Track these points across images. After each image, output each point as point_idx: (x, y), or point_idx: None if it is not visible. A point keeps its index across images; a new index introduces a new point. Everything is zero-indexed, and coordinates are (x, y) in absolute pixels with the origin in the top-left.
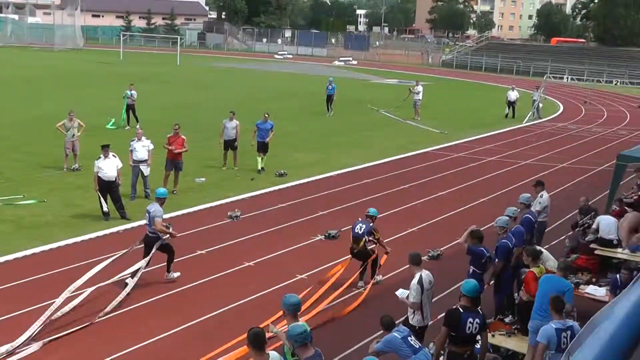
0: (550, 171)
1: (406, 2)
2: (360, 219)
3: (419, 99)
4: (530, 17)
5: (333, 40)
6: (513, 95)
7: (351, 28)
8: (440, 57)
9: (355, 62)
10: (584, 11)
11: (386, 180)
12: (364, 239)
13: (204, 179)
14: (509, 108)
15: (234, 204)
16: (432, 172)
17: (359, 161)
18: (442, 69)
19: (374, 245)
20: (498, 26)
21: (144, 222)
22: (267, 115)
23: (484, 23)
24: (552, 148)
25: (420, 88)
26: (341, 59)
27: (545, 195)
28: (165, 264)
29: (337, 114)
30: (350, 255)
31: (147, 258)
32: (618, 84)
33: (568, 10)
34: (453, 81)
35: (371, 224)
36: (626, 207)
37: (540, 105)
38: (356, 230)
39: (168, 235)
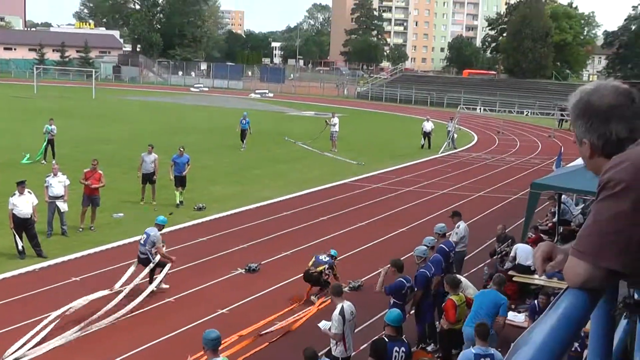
0: (466, 200)
1: (320, 35)
2: (323, 253)
3: (336, 131)
4: (442, 49)
5: (249, 73)
6: (428, 126)
7: (267, 61)
8: (356, 89)
9: (271, 95)
10: (493, 44)
11: (305, 213)
12: (324, 267)
13: (121, 215)
14: (424, 139)
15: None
16: (351, 204)
17: (277, 194)
18: (357, 101)
19: (328, 277)
20: (411, 58)
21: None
22: (182, 149)
23: (397, 55)
24: (467, 177)
25: (336, 120)
26: (257, 91)
27: (462, 225)
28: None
29: (254, 146)
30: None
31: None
32: (529, 114)
33: (478, 43)
34: (369, 113)
35: (333, 261)
36: (542, 235)
37: (455, 135)
38: (320, 258)
39: (158, 257)
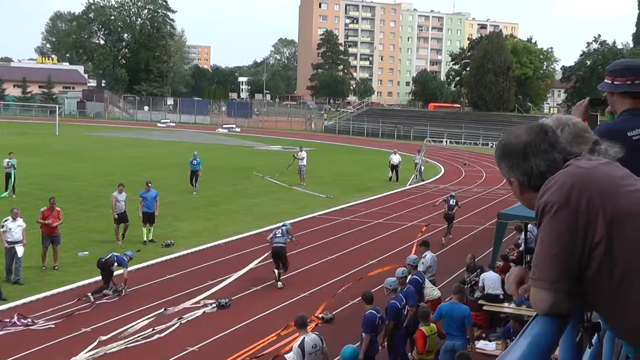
0: (435, 231)
1: (287, 70)
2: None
3: (304, 165)
4: (407, 83)
5: (216, 108)
6: (395, 159)
7: (234, 95)
8: (323, 122)
9: (238, 130)
10: (457, 78)
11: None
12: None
13: (87, 253)
14: (392, 171)
15: (119, 277)
16: (320, 237)
17: (246, 228)
18: (325, 135)
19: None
20: (377, 92)
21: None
22: (149, 184)
23: (363, 89)
24: (435, 209)
25: (304, 154)
26: (225, 126)
27: (428, 255)
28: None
29: (222, 181)
30: None
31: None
32: (493, 146)
33: (442, 77)
34: (337, 146)
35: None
36: (510, 264)
37: (422, 167)
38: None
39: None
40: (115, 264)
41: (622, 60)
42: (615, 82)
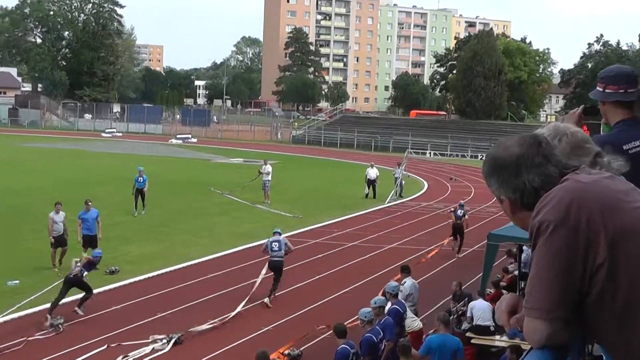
0: (417, 254)
1: (250, 72)
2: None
3: (269, 180)
4: (386, 88)
5: (169, 115)
6: (373, 173)
7: (189, 101)
8: (291, 132)
9: (195, 140)
10: (442, 82)
11: (234, 273)
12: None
13: (17, 282)
14: (369, 187)
15: (56, 309)
16: (288, 262)
17: (203, 252)
18: (293, 146)
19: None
20: (352, 98)
21: None
22: (89, 203)
23: (336, 95)
24: (418, 229)
25: (269, 168)
26: (179, 136)
27: (408, 282)
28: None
29: (176, 198)
30: None
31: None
32: (483, 158)
33: (426, 81)
34: (306, 159)
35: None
36: (502, 291)
37: (403, 182)
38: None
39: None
40: (85, 272)
41: (614, 66)
42: (607, 91)
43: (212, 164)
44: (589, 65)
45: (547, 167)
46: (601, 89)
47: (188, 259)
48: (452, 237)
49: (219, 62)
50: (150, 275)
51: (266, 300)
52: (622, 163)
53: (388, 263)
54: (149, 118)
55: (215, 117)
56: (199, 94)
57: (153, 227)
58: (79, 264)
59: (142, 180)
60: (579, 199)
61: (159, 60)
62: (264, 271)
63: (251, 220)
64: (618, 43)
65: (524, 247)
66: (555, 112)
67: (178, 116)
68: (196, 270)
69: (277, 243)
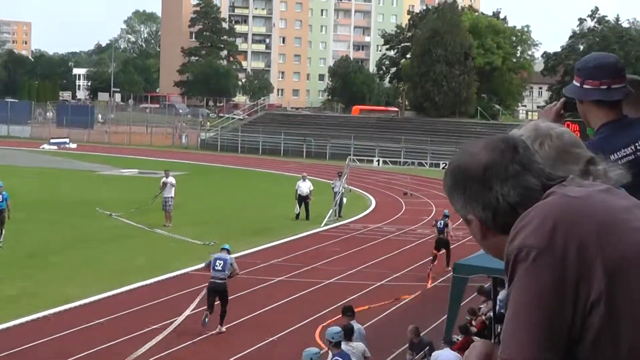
0: (363, 292)
1: (145, 58)
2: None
3: (171, 197)
4: (321, 77)
5: (39, 114)
6: (305, 187)
7: (66, 95)
8: (199, 135)
9: (74, 146)
10: (393, 69)
11: (127, 319)
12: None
13: None
14: (300, 205)
15: None
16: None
17: (85, 292)
18: (202, 153)
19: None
20: (278, 90)
21: None
22: None
23: (257, 86)
24: (364, 259)
25: (172, 181)
26: (53, 140)
27: (356, 327)
28: None
29: (50, 223)
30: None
31: None
32: (445, 168)
33: (372, 68)
34: (219, 169)
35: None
36: (473, 337)
37: (344, 200)
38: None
39: None
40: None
41: (592, 55)
42: (586, 87)
43: (98, 176)
44: (581, 48)
45: (526, 177)
46: (578, 84)
47: (64, 301)
48: (432, 259)
49: (104, 45)
50: (13, 323)
51: (218, 328)
52: (622, 172)
53: (326, 302)
54: (13, 117)
55: (100, 115)
56: (79, 85)
57: (18, 261)
58: None
59: (0, 199)
60: (568, 218)
61: (25, 42)
62: (197, 299)
63: (148, 250)
64: (617, 19)
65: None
66: (538, 107)
67: (51, 114)
68: (75, 316)
69: (221, 262)
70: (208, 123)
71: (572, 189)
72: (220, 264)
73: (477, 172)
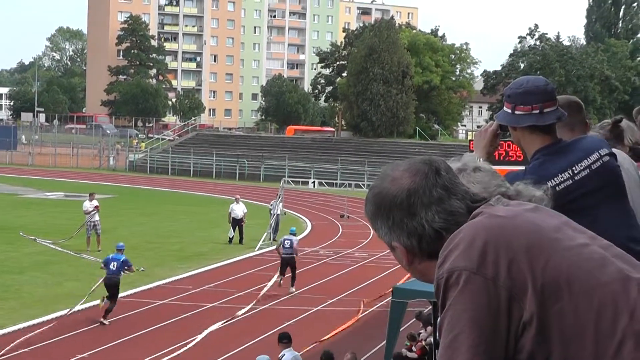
0: (300, 317)
1: (71, 76)
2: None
3: (97, 221)
4: (254, 96)
5: None
6: (239, 210)
7: None
8: (127, 156)
9: None
10: (329, 88)
11: (52, 349)
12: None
13: None
14: (234, 229)
15: None
16: (125, 331)
17: (7, 321)
18: (130, 175)
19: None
20: (209, 110)
21: None
22: None
23: (187, 106)
24: (299, 284)
25: (91, 204)
26: None
27: (288, 355)
28: None
29: None
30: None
31: None
32: (366, 195)
33: (306, 87)
34: (148, 192)
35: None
36: None
37: (278, 222)
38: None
39: None
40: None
41: (521, 80)
42: (518, 112)
43: (21, 200)
44: (521, 66)
45: (450, 201)
46: (509, 111)
47: None
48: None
49: (27, 62)
50: None
51: (292, 289)
52: (547, 190)
53: (261, 328)
54: None
55: (24, 136)
56: (0, 105)
57: None
58: None
59: None
60: (497, 238)
61: None
62: (277, 274)
63: (75, 276)
64: (558, 36)
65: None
66: (478, 126)
67: None
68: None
69: (289, 241)
70: (142, 143)
71: (499, 209)
72: (288, 242)
73: (400, 198)
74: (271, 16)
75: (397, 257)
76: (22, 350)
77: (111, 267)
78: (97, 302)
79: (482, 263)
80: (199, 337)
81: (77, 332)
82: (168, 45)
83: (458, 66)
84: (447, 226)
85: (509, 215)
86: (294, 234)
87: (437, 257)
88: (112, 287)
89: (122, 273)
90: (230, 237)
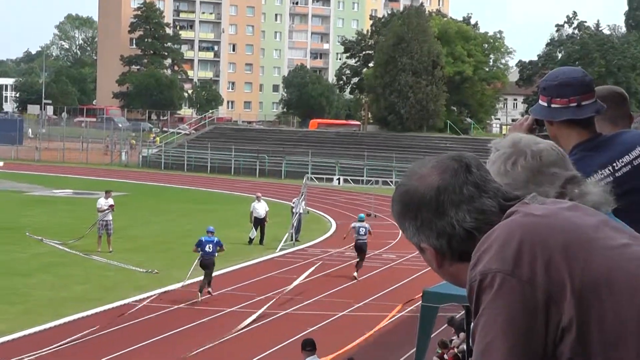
0: (325, 322)
1: (81, 66)
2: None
3: (110, 220)
4: (275, 88)
5: None
6: (261, 209)
7: None
8: (140, 151)
9: (0, 164)
10: (355, 80)
11: (59, 355)
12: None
13: None
14: (256, 228)
15: None
16: (137, 337)
17: (14, 326)
18: (144, 171)
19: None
20: (227, 102)
21: None
22: None
23: (205, 98)
24: (325, 288)
25: (106, 202)
26: None
27: None
28: None
29: None
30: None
31: None
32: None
33: (331, 78)
34: (163, 190)
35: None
36: None
37: (301, 222)
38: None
39: None
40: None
41: (557, 71)
42: (554, 106)
43: (28, 197)
44: (559, 56)
45: (482, 200)
46: (545, 104)
47: None
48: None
49: (34, 52)
50: None
51: (355, 274)
52: (601, 193)
53: (283, 335)
54: None
55: (30, 130)
56: (6, 97)
57: None
58: None
59: None
60: (533, 237)
61: None
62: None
63: (84, 279)
64: (597, 25)
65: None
66: (513, 120)
67: None
68: (3, 352)
69: (363, 228)
70: (158, 138)
71: (535, 207)
72: (363, 230)
73: (429, 196)
74: (293, 3)
75: (427, 259)
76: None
77: (207, 249)
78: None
79: (518, 264)
80: (214, 343)
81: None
82: (184, 34)
83: (491, 56)
84: (479, 226)
85: (545, 213)
86: (363, 220)
87: (469, 258)
88: (208, 266)
89: (216, 254)
90: (252, 237)
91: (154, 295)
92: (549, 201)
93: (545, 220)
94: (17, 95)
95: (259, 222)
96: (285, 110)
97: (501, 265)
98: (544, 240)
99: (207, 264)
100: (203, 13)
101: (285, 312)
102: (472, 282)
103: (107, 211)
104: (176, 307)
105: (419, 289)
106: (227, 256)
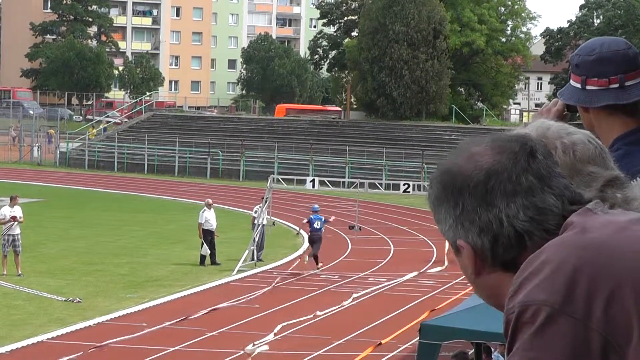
0: None
1: None
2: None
3: (17, 234)
4: (231, 64)
5: None
6: (212, 218)
7: None
8: (57, 146)
9: None
10: (333, 53)
11: None
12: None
13: None
14: (207, 245)
15: None
16: None
17: None
18: (62, 171)
19: None
20: (170, 83)
21: None
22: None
23: (141, 77)
24: (296, 318)
25: (11, 211)
26: None
27: None
28: None
29: None
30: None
31: None
32: (410, 188)
33: (303, 51)
34: (86, 195)
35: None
36: None
37: (263, 235)
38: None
39: None
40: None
41: (594, 41)
42: (589, 87)
43: None
44: (596, 22)
45: (543, 195)
46: (578, 85)
47: None
48: None
49: None
50: None
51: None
52: None
53: None
54: None
55: None
56: None
57: None
58: None
59: None
60: (592, 262)
61: None
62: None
63: None
64: None
65: (495, 353)
66: (537, 105)
67: None
68: None
69: (318, 221)
70: (94, 131)
71: (596, 220)
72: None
73: (476, 180)
74: None
75: (462, 263)
76: None
77: (315, 225)
78: None
79: (570, 297)
80: None
81: None
82: None
83: (509, 22)
84: (533, 229)
85: (608, 234)
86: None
87: (514, 268)
88: (316, 241)
89: (323, 229)
90: (203, 255)
91: (74, 329)
92: (617, 212)
93: (610, 240)
94: None
95: (210, 236)
96: (244, 92)
97: (548, 297)
98: (605, 267)
99: (315, 239)
100: None
101: (240, 352)
102: (509, 314)
103: (12, 223)
104: (102, 343)
105: (415, 317)
106: (169, 281)
